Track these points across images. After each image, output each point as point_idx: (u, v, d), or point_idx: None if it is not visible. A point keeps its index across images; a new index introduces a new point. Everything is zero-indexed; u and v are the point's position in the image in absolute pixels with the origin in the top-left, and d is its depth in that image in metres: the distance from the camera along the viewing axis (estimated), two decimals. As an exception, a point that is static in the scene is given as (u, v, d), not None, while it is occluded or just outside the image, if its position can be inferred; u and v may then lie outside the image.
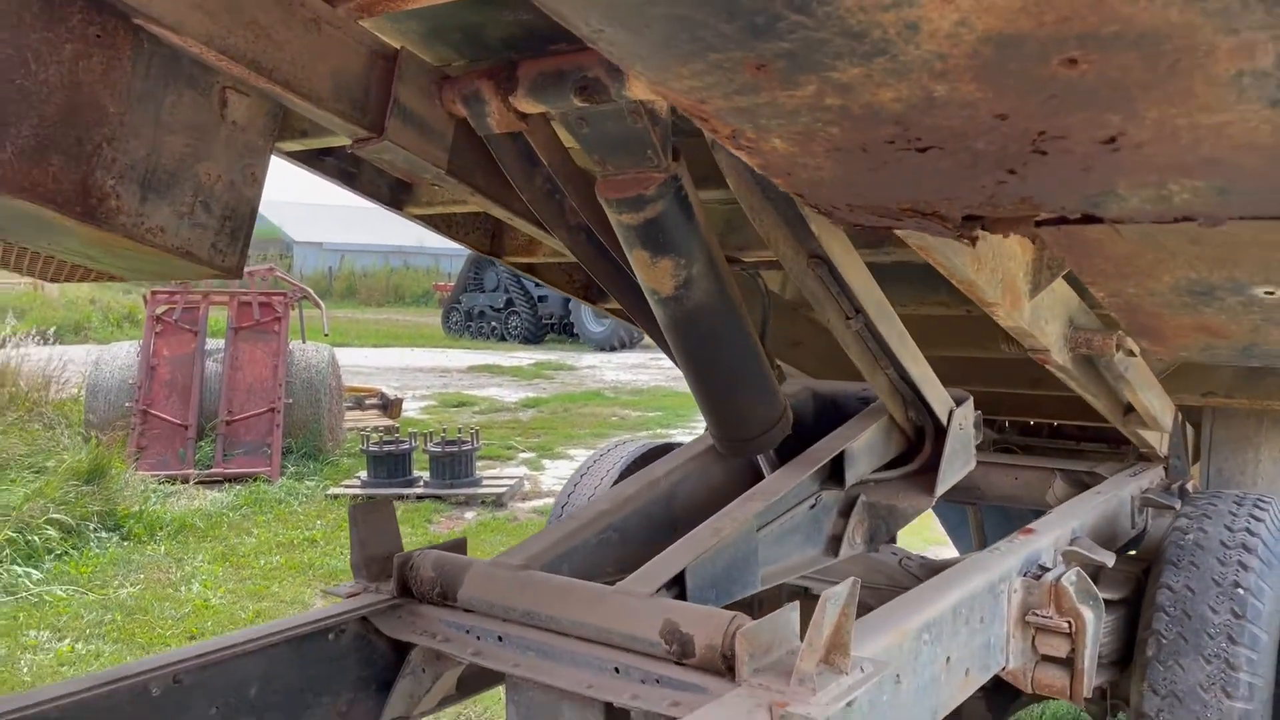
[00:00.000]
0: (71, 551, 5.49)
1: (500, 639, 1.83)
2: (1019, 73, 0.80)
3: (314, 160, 2.33)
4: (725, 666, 1.57)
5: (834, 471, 2.30)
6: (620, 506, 2.15)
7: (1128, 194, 0.96)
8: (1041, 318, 2.28)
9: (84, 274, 1.98)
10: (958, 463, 2.39)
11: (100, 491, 5.92)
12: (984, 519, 4.31)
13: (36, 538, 5.30)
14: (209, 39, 1.57)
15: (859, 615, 1.89)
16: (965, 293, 1.97)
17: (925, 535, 5.49)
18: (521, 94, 1.68)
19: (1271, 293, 1.40)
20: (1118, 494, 2.92)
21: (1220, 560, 2.40)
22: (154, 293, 8.02)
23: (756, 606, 2.62)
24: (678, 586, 1.86)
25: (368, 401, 9.83)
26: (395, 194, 2.62)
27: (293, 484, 7.27)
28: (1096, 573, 2.58)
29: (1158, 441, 3.31)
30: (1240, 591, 2.33)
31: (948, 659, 1.97)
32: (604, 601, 1.74)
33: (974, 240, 1.14)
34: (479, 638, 1.85)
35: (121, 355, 7.91)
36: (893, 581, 2.66)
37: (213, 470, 7.23)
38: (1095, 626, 2.24)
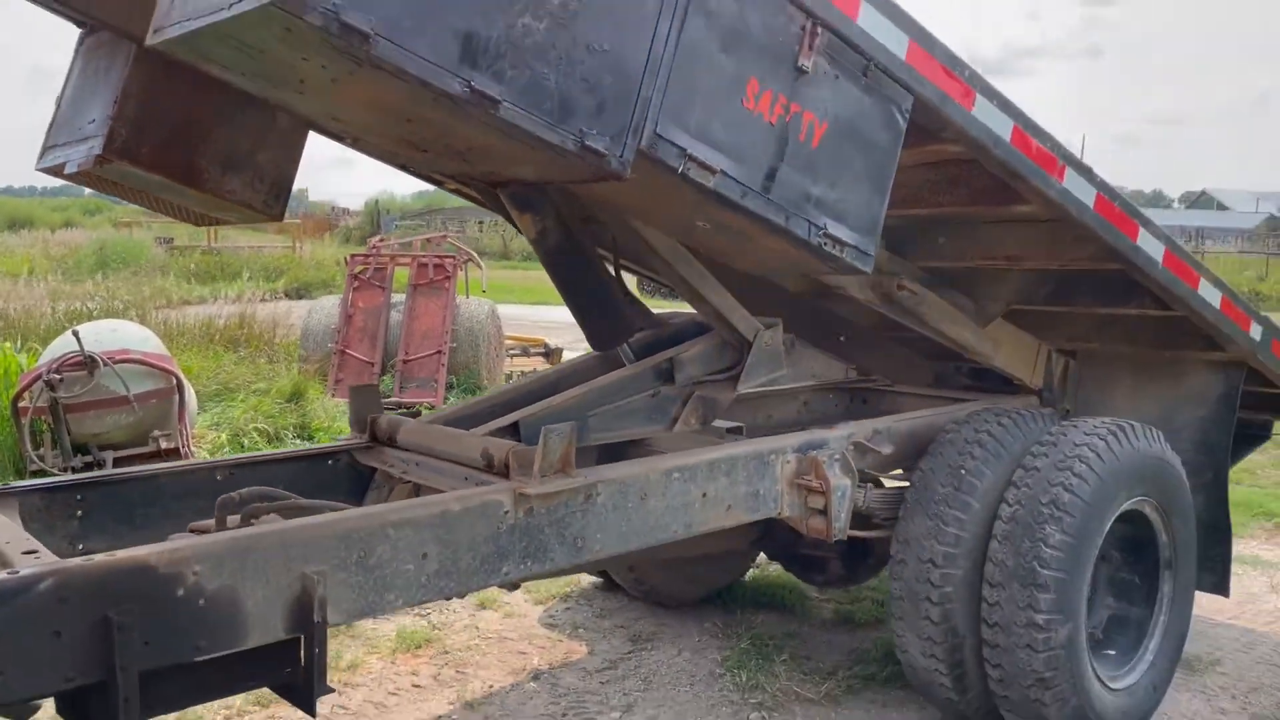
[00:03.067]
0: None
1: (417, 464, 3.03)
2: (384, 122, 1.81)
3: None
4: (506, 473, 2.69)
5: (673, 373, 3.34)
6: (514, 390, 3.31)
7: (479, 167, 1.94)
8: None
9: (198, 217, 3.27)
10: (762, 369, 3.35)
11: (297, 409, 7.66)
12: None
13: (246, 441, 7.06)
14: (256, 89, 2.82)
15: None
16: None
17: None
18: None
19: (705, 225, 2.26)
20: (953, 413, 3.72)
21: (957, 451, 3.24)
22: (352, 256, 9.80)
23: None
24: (517, 435, 3.00)
25: (533, 350, 11.33)
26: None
27: (451, 413, 8.85)
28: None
29: (1028, 374, 4.07)
30: (962, 473, 3.18)
31: (704, 494, 2.95)
32: (461, 440, 2.91)
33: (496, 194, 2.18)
34: (406, 464, 3.07)
35: (329, 306, 9.76)
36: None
37: (390, 399, 8.89)
38: (847, 491, 3.13)
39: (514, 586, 3.35)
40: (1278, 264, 26.71)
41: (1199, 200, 79.56)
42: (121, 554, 2.01)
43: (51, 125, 3.14)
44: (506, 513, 2.53)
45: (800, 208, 2.11)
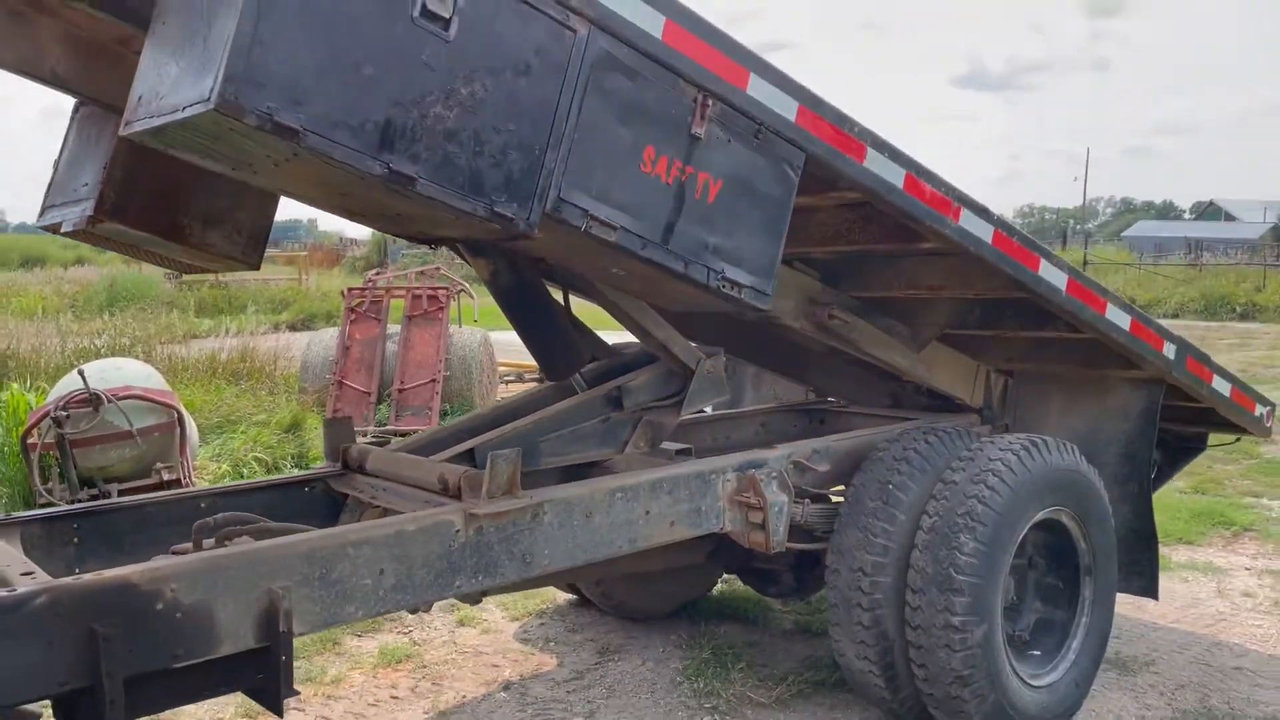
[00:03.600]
0: (272, 481, 7.53)
1: (384, 489, 3.31)
2: (325, 194, 2.15)
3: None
4: (460, 495, 2.96)
5: (621, 400, 3.62)
6: (475, 418, 3.59)
7: (410, 228, 2.26)
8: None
9: (185, 267, 3.59)
10: (705, 395, 3.63)
11: (295, 439, 7.96)
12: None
13: (245, 470, 7.36)
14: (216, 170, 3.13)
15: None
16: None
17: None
18: None
19: (620, 271, 2.55)
20: (890, 431, 3.98)
21: (886, 467, 3.50)
22: (349, 289, 10.15)
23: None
24: (474, 461, 3.28)
25: (527, 375, 11.62)
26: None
27: (446, 439, 9.16)
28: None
29: (968, 394, 4.34)
30: (889, 488, 3.43)
31: (647, 512, 3.21)
32: (422, 466, 3.19)
33: (433, 246, 2.50)
34: (375, 489, 3.35)
35: (326, 339, 10.09)
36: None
37: (386, 427, 9.20)
38: (783, 507, 3.38)
39: (476, 600, 3.61)
40: (1275, 274, 26.81)
41: (1207, 210, 79.67)
42: (107, 573, 2.28)
43: (50, 186, 3.45)
44: (458, 531, 2.79)
45: (699, 256, 2.39)
